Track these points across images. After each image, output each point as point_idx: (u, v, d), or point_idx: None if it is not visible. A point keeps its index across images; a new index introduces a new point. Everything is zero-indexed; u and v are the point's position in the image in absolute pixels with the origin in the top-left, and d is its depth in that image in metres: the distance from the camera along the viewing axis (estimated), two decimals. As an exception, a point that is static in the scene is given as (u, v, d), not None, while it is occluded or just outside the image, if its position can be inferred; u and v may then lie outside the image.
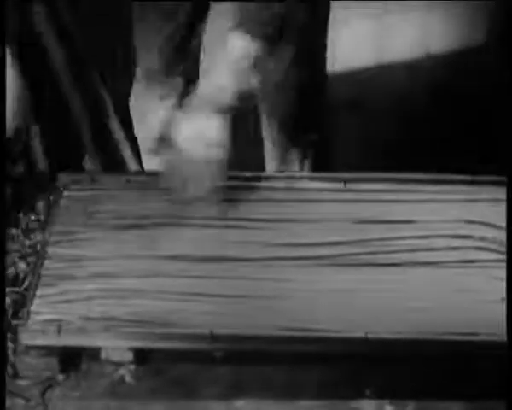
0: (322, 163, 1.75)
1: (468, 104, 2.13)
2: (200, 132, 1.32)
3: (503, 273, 1.19)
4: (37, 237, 1.30)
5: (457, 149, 2.04)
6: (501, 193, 1.32)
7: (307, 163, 1.74)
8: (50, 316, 1.14)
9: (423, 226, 1.30)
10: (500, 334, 1.10)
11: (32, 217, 1.34)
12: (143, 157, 1.75)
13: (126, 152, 1.99)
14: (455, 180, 1.38)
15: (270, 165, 1.77)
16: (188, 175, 1.32)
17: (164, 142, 1.36)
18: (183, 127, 1.33)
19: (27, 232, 1.31)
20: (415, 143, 2.39)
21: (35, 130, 1.89)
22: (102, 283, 1.19)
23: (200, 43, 1.63)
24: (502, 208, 1.29)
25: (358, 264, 1.24)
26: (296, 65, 1.59)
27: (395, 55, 2.95)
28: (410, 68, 2.91)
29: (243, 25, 1.32)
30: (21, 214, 1.34)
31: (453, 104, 2.21)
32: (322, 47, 1.67)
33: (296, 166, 1.73)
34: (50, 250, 1.25)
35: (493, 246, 1.27)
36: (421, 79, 2.59)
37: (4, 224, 1.29)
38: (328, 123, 1.78)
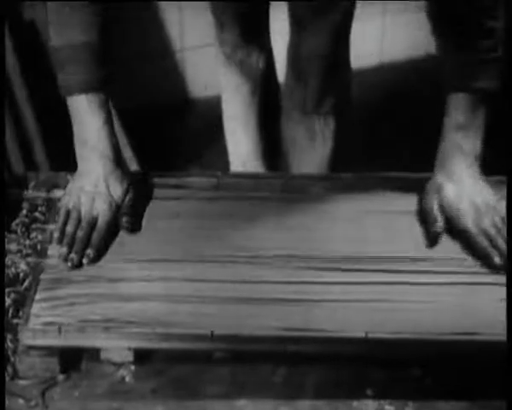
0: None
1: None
2: None
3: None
4: (38, 236, 1.30)
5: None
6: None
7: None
8: (50, 319, 1.13)
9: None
10: (500, 334, 1.11)
11: (33, 217, 1.34)
12: None
13: (127, 152, 1.99)
14: None
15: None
16: None
17: None
18: None
19: (28, 232, 1.31)
20: (415, 143, 2.39)
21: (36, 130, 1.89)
22: (102, 286, 1.19)
23: None
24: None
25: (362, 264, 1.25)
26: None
27: (395, 56, 2.96)
28: (411, 68, 2.91)
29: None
30: (22, 214, 1.34)
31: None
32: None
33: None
34: (50, 251, 1.25)
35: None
36: (422, 78, 2.58)
37: (4, 224, 1.29)
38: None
